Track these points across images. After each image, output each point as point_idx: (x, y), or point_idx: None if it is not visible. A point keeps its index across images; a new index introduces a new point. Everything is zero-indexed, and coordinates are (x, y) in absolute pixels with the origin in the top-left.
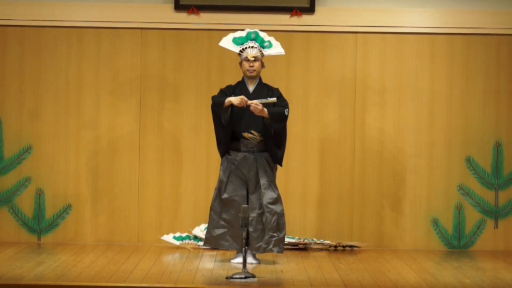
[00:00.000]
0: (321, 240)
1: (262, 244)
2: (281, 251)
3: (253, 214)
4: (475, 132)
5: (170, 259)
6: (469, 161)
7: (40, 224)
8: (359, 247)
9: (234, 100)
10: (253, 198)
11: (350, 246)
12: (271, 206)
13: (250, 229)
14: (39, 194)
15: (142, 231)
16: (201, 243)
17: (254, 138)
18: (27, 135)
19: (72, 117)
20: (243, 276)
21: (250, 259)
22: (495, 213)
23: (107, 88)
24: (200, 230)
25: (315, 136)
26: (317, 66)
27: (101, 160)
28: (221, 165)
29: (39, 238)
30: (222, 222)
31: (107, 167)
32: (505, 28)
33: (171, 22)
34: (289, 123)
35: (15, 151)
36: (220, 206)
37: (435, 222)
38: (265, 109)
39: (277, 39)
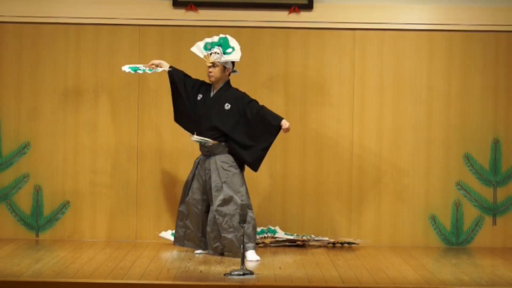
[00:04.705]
0: (319, 236)
1: (219, 245)
2: (252, 247)
3: (211, 215)
4: (473, 129)
5: (168, 255)
6: (467, 158)
7: (38, 221)
8: (357, 243)
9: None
10: (208, 200)
11: (348, 243)
12: (220, 208)
13: (208, 229)
14: (37, 191)
15: (140, 228)
16: None
17: (206, 141)
18: (25, 132)
19: (70, 114)
20: (241, 272)
21: (251, 256)
22: (493, 210)
23: (105, 84)
24: None
25: (313, 132)
26: (315, 62)
27: (99, 156)
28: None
29: (37, 235)
30: (186, 223)
31: (105, 163)
32: (504, 24)
33: (169, 19)
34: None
35: (13, 147)
36: (185, 207)
37: (433, 219)
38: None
39: (275, 35)
